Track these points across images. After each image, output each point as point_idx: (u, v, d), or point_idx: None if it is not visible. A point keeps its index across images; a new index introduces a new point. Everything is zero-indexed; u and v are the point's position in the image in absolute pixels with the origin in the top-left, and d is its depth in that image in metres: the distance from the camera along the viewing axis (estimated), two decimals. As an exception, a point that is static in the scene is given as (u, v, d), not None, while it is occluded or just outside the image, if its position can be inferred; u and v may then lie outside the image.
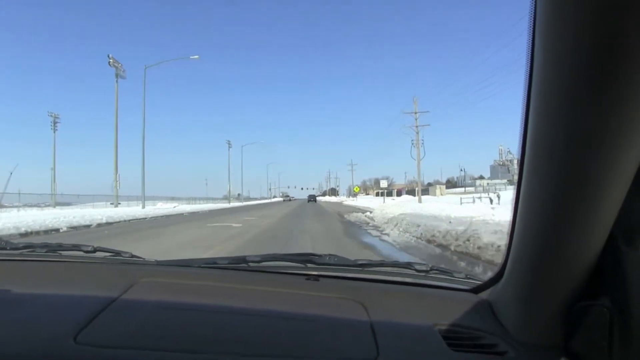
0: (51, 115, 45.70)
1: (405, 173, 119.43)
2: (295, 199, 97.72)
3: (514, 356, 0.79)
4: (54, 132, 45.48)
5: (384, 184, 57.27)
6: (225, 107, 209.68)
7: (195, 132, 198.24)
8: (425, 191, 64.05)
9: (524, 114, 0.62)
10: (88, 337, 0.79)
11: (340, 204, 48.14)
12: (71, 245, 1.40)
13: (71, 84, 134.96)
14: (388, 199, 44.94)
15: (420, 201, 30.36)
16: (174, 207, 32.27)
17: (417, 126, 36.31)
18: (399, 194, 72.50)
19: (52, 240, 2.86)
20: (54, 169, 44.56)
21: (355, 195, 67.96)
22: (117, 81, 30.53)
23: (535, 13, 0.53)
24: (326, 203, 55.27)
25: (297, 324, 0.89)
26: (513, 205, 0.74)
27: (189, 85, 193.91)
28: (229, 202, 57.76)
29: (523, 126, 0.63)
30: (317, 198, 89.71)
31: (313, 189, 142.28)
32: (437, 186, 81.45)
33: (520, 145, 0.65)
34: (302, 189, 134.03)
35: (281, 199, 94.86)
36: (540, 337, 0.79)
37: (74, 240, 1.52)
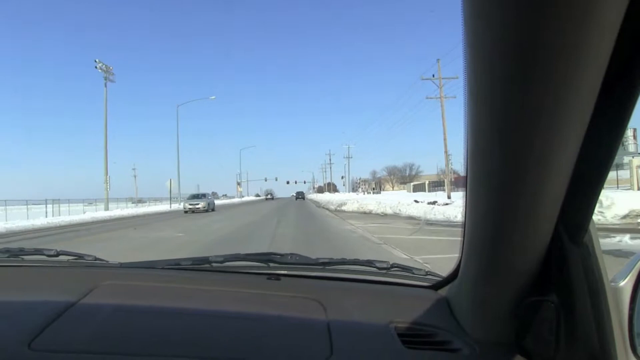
0: None
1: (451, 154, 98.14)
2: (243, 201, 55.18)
3: (467, 353, 0.79)
4: None
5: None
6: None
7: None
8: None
9: (465, 112, 0.61)
10: (43, 343, 0.78)
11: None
12: (34, 249, 1.38)
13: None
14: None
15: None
16: None
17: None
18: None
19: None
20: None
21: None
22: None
23: (464, 13, 0.51)
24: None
25: (252, 324, 0.89)
26: (463, 203, 0.74)
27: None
28: (106, 209, 31.10)
29: (465, 126, 0.62)
30: (311, 197, 73.32)
31: (305, 182, 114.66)
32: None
33: (464, 144, 0.65)
34: (287, 182, 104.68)
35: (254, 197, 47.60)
36: (492, 334, 0.79)
37: None
